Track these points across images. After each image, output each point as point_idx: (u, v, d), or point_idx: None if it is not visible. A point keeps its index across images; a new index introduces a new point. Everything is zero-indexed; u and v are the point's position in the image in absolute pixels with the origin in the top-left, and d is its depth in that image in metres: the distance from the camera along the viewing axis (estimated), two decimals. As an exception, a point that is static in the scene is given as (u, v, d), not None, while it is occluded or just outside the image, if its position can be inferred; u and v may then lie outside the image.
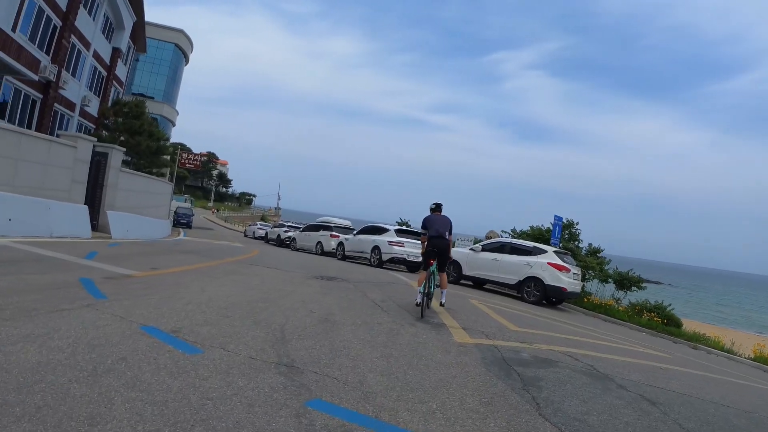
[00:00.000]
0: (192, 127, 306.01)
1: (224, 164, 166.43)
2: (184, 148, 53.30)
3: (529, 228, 20.85)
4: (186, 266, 10.53)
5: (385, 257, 18.77)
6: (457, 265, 15.88)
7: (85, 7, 27.12)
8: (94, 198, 17.15)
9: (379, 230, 19.98)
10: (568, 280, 14.18)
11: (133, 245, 14.59)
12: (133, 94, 56.25)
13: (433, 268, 8.24)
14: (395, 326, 6.61)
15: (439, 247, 8.41)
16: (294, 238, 28.75)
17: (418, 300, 7.95)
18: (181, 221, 43.28)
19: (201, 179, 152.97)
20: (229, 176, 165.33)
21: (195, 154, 44.94)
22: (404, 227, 21.42)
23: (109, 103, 30.55)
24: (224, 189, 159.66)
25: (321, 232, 25.76)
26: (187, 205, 51.53)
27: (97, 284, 6.77)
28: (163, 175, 33.85)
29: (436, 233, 8.48)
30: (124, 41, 33.93)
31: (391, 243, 18.67)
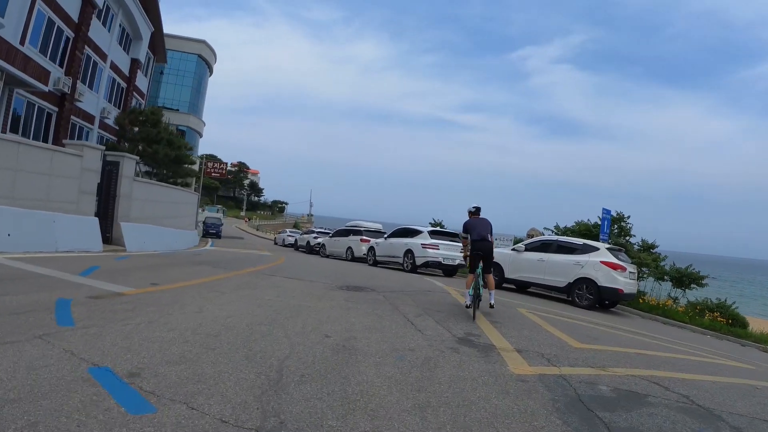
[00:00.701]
0: (223, 138, 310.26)
1: (255, 173, 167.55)
2: (210, 157, 52.96)
3: (574, 224, 19.17)
4: (194, 280, 9.32)
5: (419, 261, 17.35)
6: (498, 268, 14.20)
7: (99, 18, 26.56)
8: (107, 209, 16.23)
9: (412, 232, 18.57)
10: (625, 281, 12.51)
11: (146, 258, 13.53)
12: (159, 107, 56.48)
13: (479, 270, 8.25)
14: (433, 353, 5.17)
15: (483, 250, 8.43)
16: (323, 245, 27.55)
17: (468, 302, 8.21)
18: (210, 231, 42.72)
19: (233, 189, 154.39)
20: (261, 185, 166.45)
21: (221, 163, 44.23)
22: (438, 228, 19.90)
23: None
24: (256, 198, 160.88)
25: (350, 237, 24.48)
26: (217, 215, 50.98)
27: (72, 306, 5.61)
28: (188, 185, 33.06)
29: (479, 236, 8.50)
30: (142, 52, 33.42)
31: (424, 246, 17.27)
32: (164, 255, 15.80)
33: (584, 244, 13.31)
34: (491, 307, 8.64)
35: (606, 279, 12.37)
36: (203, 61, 62.58)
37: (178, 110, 58.05)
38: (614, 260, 12.62)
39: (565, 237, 15.09)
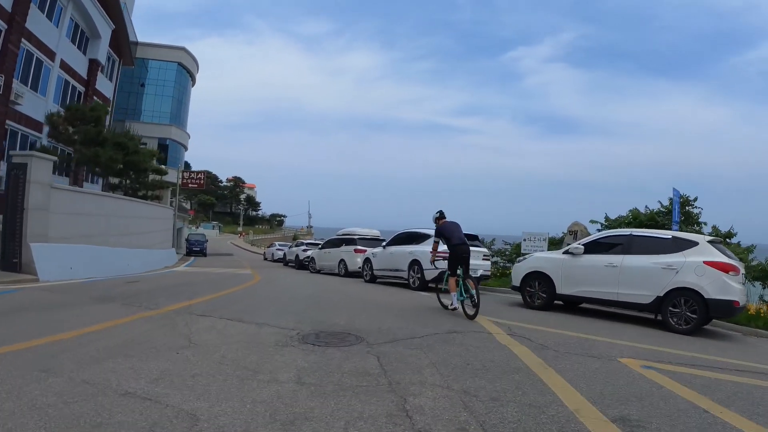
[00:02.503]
0: (219, 154, 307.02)
1: (252, 187, 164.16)
2: (187, 166, 48.50)
3: (628, 213, 14.94)
4: (46, 338, 5.24)
5: (429, 275, 13.17)
6: (545, 281, 9.96)
7: (42, 10, 22.70)
8: (14, 226, 12.19)
9: (418, 237, 14.43)
10: (739, 287, 8.28)
11: (46, 293, 9.49)
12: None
13: (461, 272, 8.48)
14: None
15: (465, 253, 8.72)
16: (313, 258, 23.40)
17: (455, 305, 8.46)
18: (194, 249, 38.82)
19: (230, 204, 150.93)
20: (258, 199, 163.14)
21: (197, 172, 40.13)
22: None
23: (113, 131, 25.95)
24: (254, 212, 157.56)
25: (343, 248, 20.38)
26: (201, 231, 46.92)
27: None
28: (158, 197, 29.06)
29: (459, 240, 8.79)
30: (102, 52, 29.52)
31: (438, 255, 13.09)
32: (88, 284, 11.73)
33: (674, 237, 8.83)
34: (454, 309, 8.56)
35: (716, 287, 7.99)
36: (184, 69, 58.65)
37: (158, 122, 54.25)
38: (724, 259, 8.36)
39: (643, 230, 10.38)
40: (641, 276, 8.61)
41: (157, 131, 54.39)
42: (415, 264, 13.60)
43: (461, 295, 8.34)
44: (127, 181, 25.02)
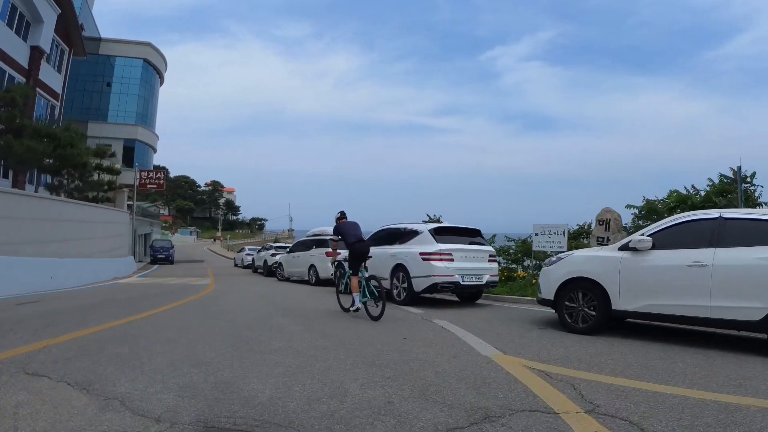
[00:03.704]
0: (197, 160, 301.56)
1: (231, 191, 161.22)
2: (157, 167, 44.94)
3: (671, 192, 12.07)
4: None
5: (418, 285, 10.25)
6: (595, 291, 6.88)
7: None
8: None
9: (403, 235, 11.45)
10: None
11: None
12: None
13: (363, 273, 8.41)
14: None
15: (363, 250, 8.65)
16: (281, 263, 20.39)
17: (357, 305, 8.29)
18: (159, 256, 35.64)
19: (208, 209, 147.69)
20: (238, 203, 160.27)
21: (156, 171, 36.93)
22: (444, 225, 12.13)
23: (44, 122, 22.63)
24: (234, 217, 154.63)
25: (314, 251, 17.44)
26: (166, 237, 43.58)
27: None
28: (108, 199, 25.86)
29: (355, 238, 8.70)
30: (46, 39, 26.17)
31: (426, 256, 10.22)
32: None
33: (778, 218, 6.20)
34: (356, 311, 8.37)
35: None
36: (151, 66, 55.17)
37: (124, 122, 50.86)
38: None
39: (737, 210, 7.03)
40: (744, 279, 5.73)
41: (123, 132, 50.91)
42: (399, 270, 10.67)
43: (364, 296, 8.20)
44: (70, 181, 21.81)
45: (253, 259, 28.45)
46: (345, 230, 8.86)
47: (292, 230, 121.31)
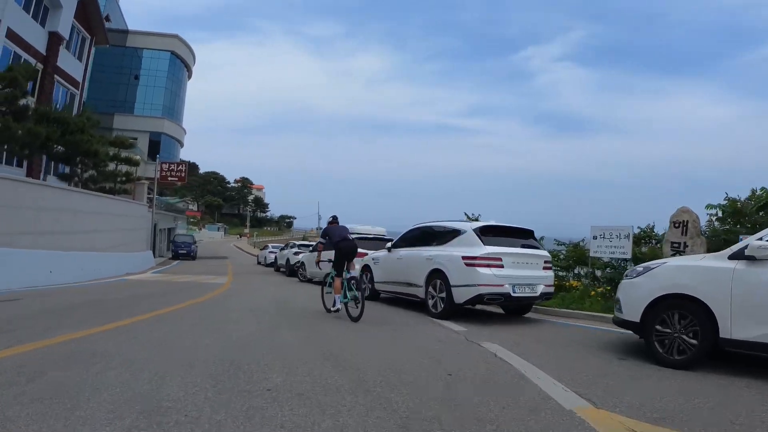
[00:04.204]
0: (227, 157, 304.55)
1: (260, 189, 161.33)
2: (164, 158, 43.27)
3: (755, 191, 10.05)
4: None
5: (460, 295, 8.39)
6: (701, 313, 4.95)
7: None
8: None
9: (442, 234, 9.61)
10: None
11: None
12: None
13: (348, 274, 8.36)
14: None
15: (349, 248, 8.53)
16: (303, 263, 18.82)
17: (338, 306, 8.23)
18: (180, 252, 34.50)
19: (237, 206, 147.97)
20: (267, 200, 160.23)
21: (177, 164, 35.75)
22: (492, 223, 9.58)
23: (55, 107, 21.54)
24: (262, 214, 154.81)
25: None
26: (188, 233, 42.51)
27: None
28: (126, 192, 24.67)
29: (340, 237, 8.58)
30: (65, 25, 25.15)
31: (470, 261, 8.36)
32: None
33: None
34: (337, 311, 8.34)
35: None
36: (177, 58, 54.41)
37: (151, 115, 50.22)
38: None
39: None
40: None
41: (149, 125, 50.22)
42: (436, 277, 8.89)
43: (345, 296, 8.19)
44: (83, 171, 20.65)
45: (275, 258, 26.94)
46: (331, 231, 8.82)
47: (320, 228, 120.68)
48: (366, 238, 15.35)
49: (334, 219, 9.25)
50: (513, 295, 8.35)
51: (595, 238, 10.89)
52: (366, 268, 11.91)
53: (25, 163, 22.01)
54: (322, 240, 9.01)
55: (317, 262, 9.37)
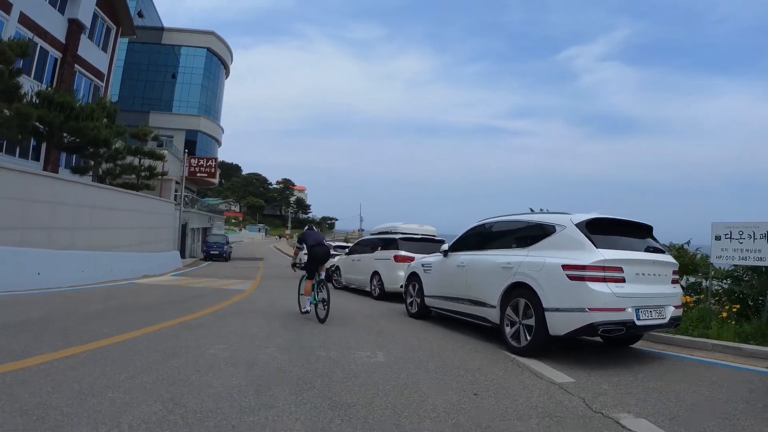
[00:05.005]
0: (270, 159, 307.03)
1: (302, 190, 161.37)
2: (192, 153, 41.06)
3: None
4: None
5: (559, 324, 5.56)
6: None
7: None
8: None
9: (528, 233, 6.66)
10: None
11: None
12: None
13: (319, 277, 8.41)
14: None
15: (321, 253, 8.65)
16: (338, 267, 16.26)
17: (307, 308, 8.43)
18: (212, 252, 32.60)
19: (279, 207, 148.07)
20: (308, 202, 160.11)
21: (207, 159, 33.75)
22: (600, 215, 6.16)
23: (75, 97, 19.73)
24: (304, 215, 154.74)
25: (378, 254, 13.18)
26: (221, 233, 40.65)
27: None
28: (148, 187, 22.68)
29: (315, 241, 8.73)
30: (85, 12, 23.44)
31: (576, 272, 5.50)
32: None
33: None
34: (307, 312, 8.51)
35: None
36: (214, 55, 53.01)
37: (187, 113, 48.96)
38: None
39: None
40: None
41: (185, 123, 48.93)
42: (519, 294, 6.10)
43: (314, 298, 8.31)
44: (98, 163, 18.74)
45: (309, 260, 24.54)
46: (307, 236, 8.99)
47: (362, 230, 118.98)
48: (412, 239, 12.67)
49: (311, 227, 9.62)
50: (638, 323, 5.52)
51: (718, 238, 7.89)
52: (413, 277, 9.21)
53: (42, 157, 20.37)
54: (299, 245, 9.10)
55: (293, 265, 9.55)
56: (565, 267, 5.58)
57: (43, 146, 19.24)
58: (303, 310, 8.62)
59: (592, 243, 5.71)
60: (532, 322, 5.81)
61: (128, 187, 20.78)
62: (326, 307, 8.06)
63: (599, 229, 5.96)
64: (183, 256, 29.69)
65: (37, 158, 20.51)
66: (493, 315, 6.54)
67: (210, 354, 5.18)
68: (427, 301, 8.56)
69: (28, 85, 16.65)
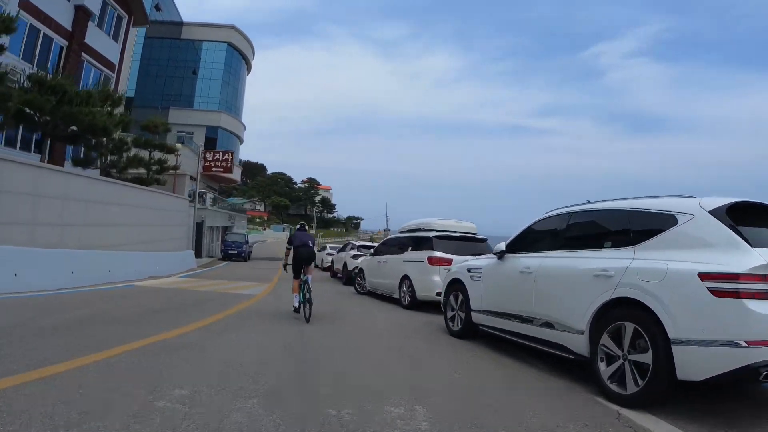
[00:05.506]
0: (295, 159, 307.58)
1: (327, 189, 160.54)
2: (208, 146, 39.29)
3: None
4: None
5: (696, 364, 3.61)
6: None
7: None
8: None
9: (633, 224, 4.61)
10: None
11: None
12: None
13: (305, 277, 8.60)
14: None
15: (305, 254, 8.82)
16: (362, 270, 14.34)
17: (296, 305, 8.72)
18: (230, 252, 31.04)
19: (304, 207, 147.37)
20: (334, 201, 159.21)
21: (223, 153, 32.03)
22: (743, 200, 4.50)
23: (81, 86, 18.30)
24: (329, 215, 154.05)
25: (409, 254, 11.27)
26: (241, 231, 39.08)
27: None
28: (158, 182, 21.14)
29: (300, 242, 8.89)
30: (94, -2, 22.02)
31: (721, 285, 3.53)
32: None
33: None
34: (296, 310, 8.73)
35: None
36: (235, 50, 51.66)
37: (207, 109, 47.77)
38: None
39: None
40: None
41: (205, 119, 47.68)
42: (622, 316, 4.11)
43: (302, 297, 8.40)
44: (102, 154, 17.27)
45: (332, 261, 22.53)
46: (294, 237, 9.10)
47: (388, 230, 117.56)
48: (449, 238, 10.69)
49: (302, 226, 9.79)
50: None
51: None
52: (455, 285, 7.23)
53: (47, 149, 19.02)
54: (288, 245, 9.23)
55: (284, 265, 9.57)
56: (704, 276, 3.62)
57: (49, 140, 17.87)
58: (294, 309, 8.80)
59: (744, 240, 3.73)
60: (646, 358, 3.85)
61: (138, 182, 19.32)
62: (309, 308, 8.22)
63: (746, 220, 3.98)
64: (199, 255, 28.20)
65: (40, 151, 19.14)
66: (578, 344, 4.59)
67: (157, 409, 3.34)
68: (475, 317, 6.61)
69: (20, 68, 15.20)
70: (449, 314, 7.38)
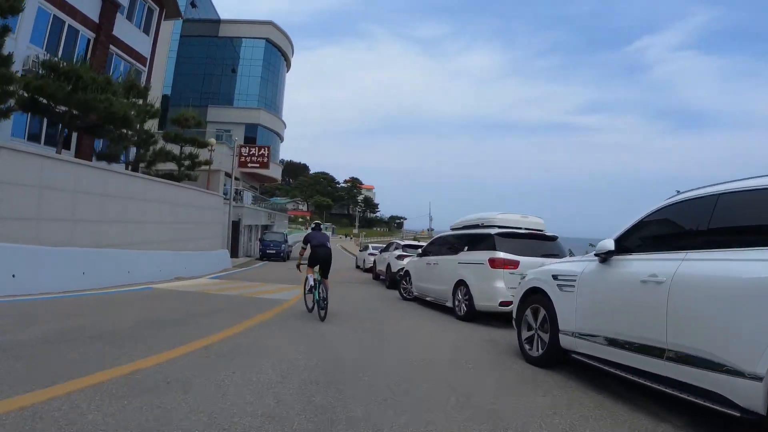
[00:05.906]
0: (337, 159, 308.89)
1: (370, 189, 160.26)
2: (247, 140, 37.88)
3: None
4: None
5: None
6: None
7: None
8: None
9: None
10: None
11: None
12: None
13: (318, 276, 8.46)
14: None
15: (323, 254, 8.61)
16: (408, 272, 12.58)
17: (310, 305, 8.63)
18: (268, 251, 29.82)
19: (346, 206, 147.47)
20: (376, 201, 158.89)
21: (259, 148, 30.81)
22: None
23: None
24: (372, 214, 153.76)
25: (464, 255, 9.49)
26: (279, 231, 37.83)
27: None
28: (190, 177, 19.98)
29: (318, 243, 8.69)
30: (120, -13, 21.11)
31: None
32: None
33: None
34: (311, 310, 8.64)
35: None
36: (273, 46, 50.71)
37: (246, 106, 47.05)
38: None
39: None
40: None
41: (244, 116, 46.86)
42: None
43: (317, 296, 8.32)
44: (126, 147, 16.19)
45: (374, 261, 20.82)
46: (312, 237, 8.88)
47: (432, 230, 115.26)
48: (514, 235, 8.80)
49: (317, 226, 9.52)
50: None
51: None
52: (535, 297, 5.43)
53: (73, 144, 18.09)
54: (303, 244, 8.92)
55: (298, 265, 9.10)
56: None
57: (67, 132, 16.90)
58: (308, 309, 8.71)
59: None
60: None
61: (169, 178, 18.20)
62: (325, 306, 8.13)
63: None
64: (235, 255, 27.06)
65: (67, 147, 18.22)
66: (749, 394, 2.77)
67: None
68: (564, 340, 4.76)
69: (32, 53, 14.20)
70: (525, 334, 5.52)
